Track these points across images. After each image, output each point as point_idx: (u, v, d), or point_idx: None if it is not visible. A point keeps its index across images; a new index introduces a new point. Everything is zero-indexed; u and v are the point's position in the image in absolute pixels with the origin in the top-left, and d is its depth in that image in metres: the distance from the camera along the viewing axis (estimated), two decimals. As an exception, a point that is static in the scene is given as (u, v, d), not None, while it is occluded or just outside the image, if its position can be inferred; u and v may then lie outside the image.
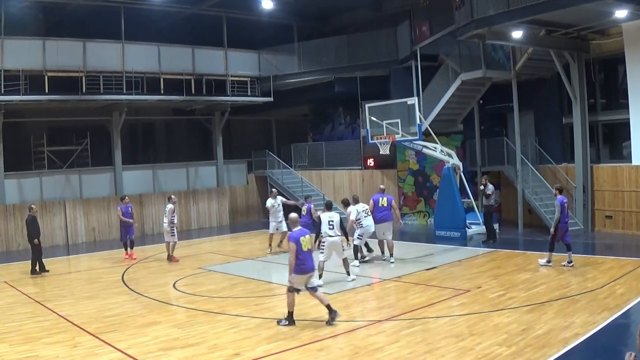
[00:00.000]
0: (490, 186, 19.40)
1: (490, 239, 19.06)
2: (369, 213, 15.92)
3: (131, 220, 18.78)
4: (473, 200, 21.01)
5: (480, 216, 20.40)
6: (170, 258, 18.21)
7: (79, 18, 24.35)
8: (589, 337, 9.17)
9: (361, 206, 16.01)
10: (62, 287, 14.90)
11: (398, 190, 24.86)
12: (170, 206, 18.37)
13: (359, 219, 15.72)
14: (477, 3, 17.67)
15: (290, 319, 10.56)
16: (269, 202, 19.90)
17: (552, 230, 14.79)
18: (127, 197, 19.58)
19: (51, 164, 23.77)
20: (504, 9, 16.98)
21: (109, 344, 9.77)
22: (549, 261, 14.71)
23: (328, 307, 10.54)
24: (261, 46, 28.02)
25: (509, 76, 21.21)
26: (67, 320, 11.43)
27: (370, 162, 26.20)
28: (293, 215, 11.01)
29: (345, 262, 14.28)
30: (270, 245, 19.46)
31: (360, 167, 26.66)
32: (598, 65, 20.96)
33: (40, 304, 12.93)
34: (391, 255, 16.33)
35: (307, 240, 10.59)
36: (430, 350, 8.88)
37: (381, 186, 17.90)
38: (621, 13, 16.60)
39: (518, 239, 20.18)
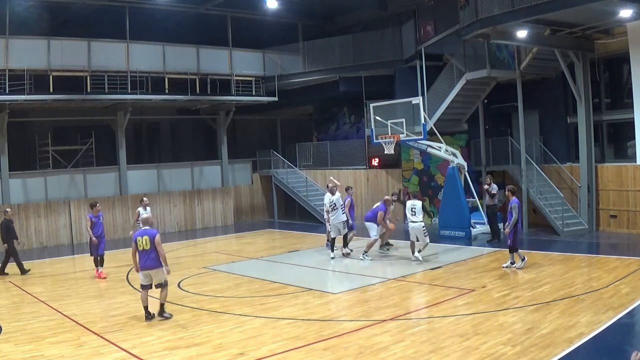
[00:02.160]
0: (495, 186, 19.40)
1: (494, 239, 19.05)
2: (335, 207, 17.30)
3: (94, 238, 15.80)
4: (478, 200, 20.99)
5: (484, 215, 20.38)
6: None
7: (83, 18, 24.42)
8: (594, 336, 9.16)
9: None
10: (67, 287, 14.93)
11: (403, 190, 24.84)
12: (138, 209, 17.27)
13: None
14: (481, 2, 17.63)
15: (146, 313, 11.28)
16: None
17: (507, 230, 14.61)
18: (98, 205, 16.49)
19: (56, 163, 23.84)
20: (508, 9, 16.95)
21: (114, 344, 9.79)
22: (523, 259, 14.74)
23: (145, 309, 11.30)
24: (266, 46, 28.04)
25: (513, 76, 21.18)
26: (72, 319, 11.46)
27: (375, 161, 26.19)
28: (144, 215, 11.91)
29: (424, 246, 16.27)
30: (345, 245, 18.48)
31: (364, 167, 26.65)
32: (603, 64, 20.94)
33: (45, 303, 12.96)
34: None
35: (143, 241, 11.15)
36: (435, 350, 8.89)
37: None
38: (626, 13, 16.56)
39: (522, 238, 20.06)
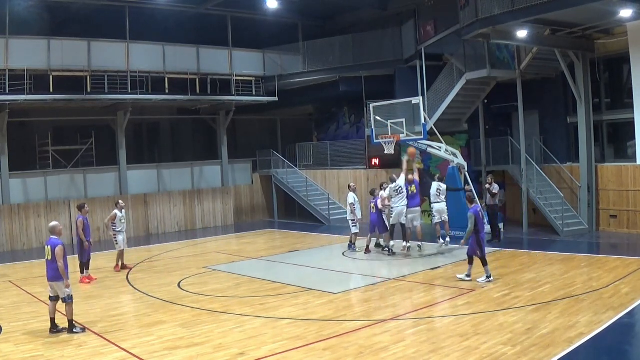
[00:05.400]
0: (496, 185, 19.39)
1: (495, 239, 19.03)
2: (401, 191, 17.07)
3: (86, 242, 15.34)
4: (478, 200, 20.96)
5: (485, 215, 20.36)
6: (116, 267, 16.74)
7: (83, 17, 24.43)
8: (594, 336, 9.16)
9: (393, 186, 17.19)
10: (68, 287, 14.90)
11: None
12: (114, 212, 16.92)
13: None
14: (482, 2, 17.63)
15: (51, 325, 10.71)
16: (355, 197, 18.68)
17: (462, 242, 13.86)
18: (86, 206, 16.34)
19: (56, 163, 23.83)
20: (508, 9, 16.96)
21: (114, 344, 9.80)
22: (468, 275, 13.49)
23: (51, 320, 10.70)
24: (266, 46, 28.04)
25: (513, 76, 21.17)
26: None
27: (375, 161, 26.18)
28: (51, 223, 11.22)
29: (445, 225, 17.74)
30: (353, 243, 18.69)
31: (365, 167, 26.65)
32: (603, 64, 20.93)
33: (46, 303, 12.83)
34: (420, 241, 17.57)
35: (46, 250, 10.71)
36: (435, 350, 8.89)
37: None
38: (626, 12, 16.56)
39: (523, 238, 20.17)
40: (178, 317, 11.44)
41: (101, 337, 10.24)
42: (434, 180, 18.37)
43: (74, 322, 10.67)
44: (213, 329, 10.52)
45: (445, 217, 17.99)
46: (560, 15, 16.97)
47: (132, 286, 14.65)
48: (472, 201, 14.03)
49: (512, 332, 9.50)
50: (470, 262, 13.56)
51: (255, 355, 9.02)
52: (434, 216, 18.13)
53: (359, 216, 18.56)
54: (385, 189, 17.77)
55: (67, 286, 10.59)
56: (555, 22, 18.02)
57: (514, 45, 20.22)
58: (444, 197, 17.98)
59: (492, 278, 13.33)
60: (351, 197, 18.65)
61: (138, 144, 29.81)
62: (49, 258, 10.62)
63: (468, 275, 13.52)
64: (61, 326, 10.73)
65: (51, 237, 10.88)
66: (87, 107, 24.40)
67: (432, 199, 18.00)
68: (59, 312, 10.80)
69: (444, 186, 17.85)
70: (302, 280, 14.59)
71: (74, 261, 16.13)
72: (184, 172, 27.42)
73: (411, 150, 18.51)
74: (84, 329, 10.66)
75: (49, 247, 10.68)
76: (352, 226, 18.55)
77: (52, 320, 10.68)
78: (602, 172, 20.32)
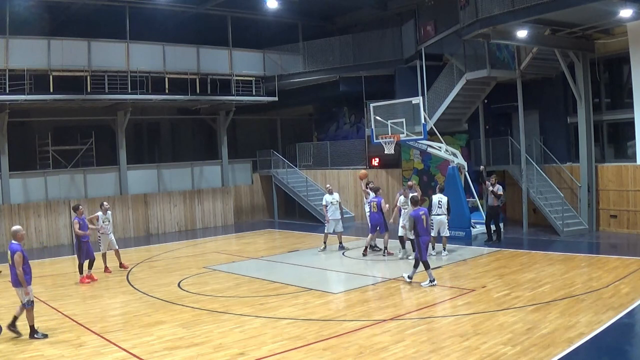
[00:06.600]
0: (499, 186, 19.34)
1: (490, 239, 18.97)
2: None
3: (87, 232, 15.45)
4: (478, 200, 20.98)
5: (484, 216, 20.37)
6: (105, 269, 16.47)
7: (84, 17, 24.42)
8: (594, 336, 9.16)
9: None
10: (67, 287, 14.92)
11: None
12: (97, 213, 16.87)
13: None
14: (482, 2, 17.64)
15: (31, 331, 10.42)
16: (327, 198, 18.97)
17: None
18: (81, 207, 15.94)
19: (56, 163, 23.83)
20: (508, 9, 16.97)
21: (114, 344, 9.80)
22: (410, 277, 13.49)
23: (13, 318, 10.49)
24: (266, 45, 28.05)
25: (513, 75, 21.18)
26: (72, 319, 11.46)
27: (375, 161, 26.19)
28: (13, 228, 10.85)
29: (444, 240, 17.12)
30: (324, 242, 18.91)
31: (365, 167, 26.64)
32: (603, 64, 20.94)
33: (46, 303, 12.94)
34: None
35: (8, 256, 10.43)
36: (435, 350, 8.89)
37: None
38: (626, 12, 16.56)
39: (523, 238, 20.17)
40: (178, 317, 11.43)
41: (101, 337, 10.24)
42: (435, 193, 17.79)
43: (35, 328, 10.38)
44: (213, 329, 10.51)
45: (446, 231, 17.09)
46: (560, 15, 16.98)
47: (132, 286, 14.65)
48: (415, 204, 13.97)
49: (512, 332, 9.50)
50: (416, 265, 13.44)
51: (255, 355, 9.02)
52: (431, 229, 17.50)
53: (329, 217, 18.71)
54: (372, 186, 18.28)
55: (27, 293, 10.30)
56: (555, 22, 18.02)
57: (514, 45, 20.22)
58: (445, 209, 17.08)
59: (435, 282, 13.22)
60: (324, 199, 19.07)
61: (138, 144, 29.80)
62: (10, 263, 10.40)
63: (409, 277, 13.49)
64: (40, 330, 10.50)
65: (12, 242, 10.58)
66: (87, 107, 24.40)
67: (433, 211, 17.01)
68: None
69: (445, 198, 17.19)
70: (302, 280, 14.58)
71: (73, 261, 16.24)
72: (184, 172, 27.40)
73: (362, 172, 19.82)
74: (45, 336, 10.33)
75: (9, 252, 10.43)
76: (326, 226, 18.95)
77: (32, 327, 10.41)
78: (602, 172, 20.31)
